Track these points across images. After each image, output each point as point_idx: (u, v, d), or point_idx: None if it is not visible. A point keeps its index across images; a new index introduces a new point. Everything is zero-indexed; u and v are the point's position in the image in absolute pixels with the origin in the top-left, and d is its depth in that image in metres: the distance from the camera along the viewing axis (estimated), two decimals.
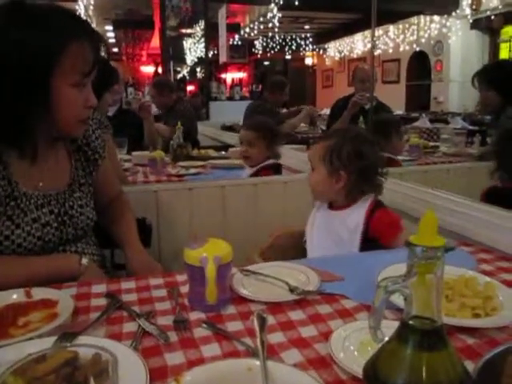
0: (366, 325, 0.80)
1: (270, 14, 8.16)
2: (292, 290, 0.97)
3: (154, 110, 3.99)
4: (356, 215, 1.40)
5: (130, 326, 0.86)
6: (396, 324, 0.60)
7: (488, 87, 2.55)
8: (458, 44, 8.11)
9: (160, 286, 1.04)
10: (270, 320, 0.80)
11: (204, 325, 0.85)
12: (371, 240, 1.37)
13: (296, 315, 0.90)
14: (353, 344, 0.76)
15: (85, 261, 1.18)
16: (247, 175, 2.33)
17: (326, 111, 6.41)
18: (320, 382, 0.60)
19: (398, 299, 0.84)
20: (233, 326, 0.86)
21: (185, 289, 1.00)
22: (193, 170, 2.66)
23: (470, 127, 4.24)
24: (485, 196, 1.73)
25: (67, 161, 1.29)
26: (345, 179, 1.38)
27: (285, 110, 4.83)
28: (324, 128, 4.33)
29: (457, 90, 8.05)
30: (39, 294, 0.96)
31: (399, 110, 6.67)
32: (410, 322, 0.54)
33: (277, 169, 2.34)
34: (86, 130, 1.31)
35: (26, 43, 1.04)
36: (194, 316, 0.90)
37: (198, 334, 0.83)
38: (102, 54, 1.24)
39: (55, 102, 1.09)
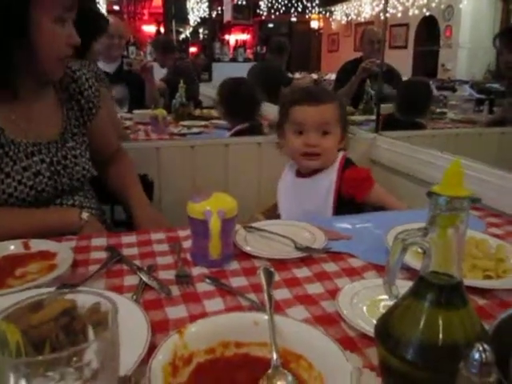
0: (375, 283, 0.78)
1: None
2: (297, 247, 0.95)
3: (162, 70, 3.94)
4: (327, 177, 1.35)
5: (130, 280, 0.83)
6: (406, 283, 0.57)
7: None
8: (468, 9, 7.85)
9: (162, 240, 1.02)
10: (275, 276, 0.78)
11: (207, 280, 0.83)
12: (345, 201, 1.32)
13: (301, 272, 0.87)
14: (362, 301, 0.73)
15: (85, 215, 1.15)
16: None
17: (331, 76, 6.27)
18: (329, 337, 0.58)
19: (408, 258, 0.82)
20: (236, 282, 0.83)
21: (187, 244, 0.98)
22: (195, 130, 2.62)
23: (478, 95, 4.15)
24: None
25: (58, 109, 1.24)
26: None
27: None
28: None
29: (465, 57, 7.87)
30: (37, 245, 0.94)
31: (405, 77, 6.52)
32: (429, 277, 0.51)
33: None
34: (78, 77, 1.27)
35: None
36: (197, 271, 0.87)
37: (201, 288, 0.81)
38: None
39: (36, 37, 1.06)
